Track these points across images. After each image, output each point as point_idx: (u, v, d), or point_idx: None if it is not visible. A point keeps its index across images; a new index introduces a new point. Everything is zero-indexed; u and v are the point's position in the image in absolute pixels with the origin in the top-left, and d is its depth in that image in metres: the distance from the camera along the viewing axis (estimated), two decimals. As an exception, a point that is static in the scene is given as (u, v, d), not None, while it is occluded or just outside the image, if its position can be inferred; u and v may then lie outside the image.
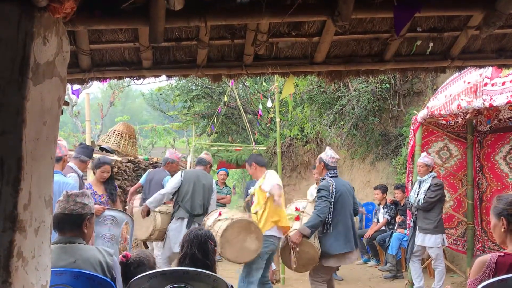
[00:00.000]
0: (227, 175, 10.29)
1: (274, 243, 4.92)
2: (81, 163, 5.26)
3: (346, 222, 4.94)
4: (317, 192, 5.03)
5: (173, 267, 2.97)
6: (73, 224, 2.57)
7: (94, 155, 8.52)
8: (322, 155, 5.29)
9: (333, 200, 4.92)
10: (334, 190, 4.94)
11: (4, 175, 1.68)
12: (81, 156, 5.24)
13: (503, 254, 2.43)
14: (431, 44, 2.79)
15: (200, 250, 2.70)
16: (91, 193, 4.43)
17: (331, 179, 5.05)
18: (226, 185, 9.98)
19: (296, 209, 5.27)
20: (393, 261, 7.45)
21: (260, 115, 13.30)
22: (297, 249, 4.73)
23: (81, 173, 5.24)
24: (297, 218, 5.10)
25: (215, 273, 2.63)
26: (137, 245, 8.45)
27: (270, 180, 4.95)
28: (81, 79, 2.79)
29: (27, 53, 1.76)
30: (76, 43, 2.52)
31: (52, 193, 1.99)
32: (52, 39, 1.90)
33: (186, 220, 5.66)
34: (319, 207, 4.89)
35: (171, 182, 5.87)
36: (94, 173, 5.62)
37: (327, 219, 4.90)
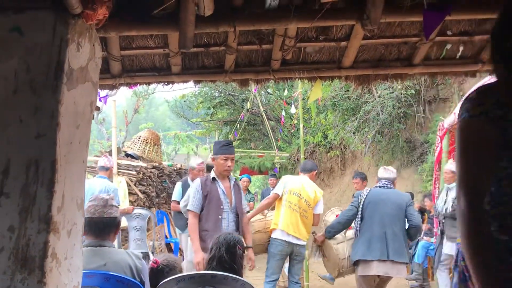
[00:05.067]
0: (250, 181, 10.29)
1: (280, 244, 5.07)
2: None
3: (373, 231, 4.82)
4: None
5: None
6: (111, 227, 2.61)
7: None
8: None
9: (361, 208, 4.94)
10: (364, 199, 4.97)
11: (39, 177, 1.72)
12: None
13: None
14: (461, 48, 2.75)
15: (228, 253, 2.71)
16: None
17: (368, 189, 5.15)
18: (249, 192, 9.97)
19: (336, 215, 5.49)
20: (420, 269, 7.31)
21: (283, 122, 13.28)
22: (322, 250, 5.21)
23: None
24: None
25: (242, 277, 2.63)
26: (161, 250, 8.51)
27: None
28: (112, 84, 2.85)
29: (62, 59, 1.80)
30: (107, 49, 2.57)
31: (84, 196, 2.02)
32: (85, 45, 1.95)
33: None
34: (344, 212, 5.13)
35: None
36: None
37: (356, 226, 4.94)
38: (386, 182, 5.15)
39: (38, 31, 1.80)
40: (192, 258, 6.12)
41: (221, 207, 4.30)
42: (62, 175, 1.79)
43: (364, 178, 6.81)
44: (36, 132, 1.75)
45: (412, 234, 4.93)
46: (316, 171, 5.64)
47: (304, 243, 5.21)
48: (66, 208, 1.82)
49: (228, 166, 4.36)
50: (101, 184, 6.36)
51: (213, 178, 4.41)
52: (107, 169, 6.58)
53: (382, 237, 4.77)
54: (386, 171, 5.25)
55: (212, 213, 4.26)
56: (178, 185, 7.21)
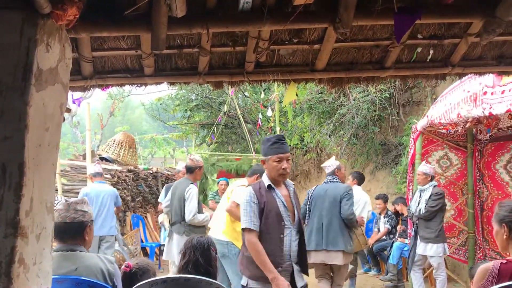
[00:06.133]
0: (228, 184, 10.27)
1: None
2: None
3: (313, 224, 5.36)
4: None
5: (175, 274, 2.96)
6: (74, 232, 2.55)
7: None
8: None
9: (308, 204, 5.52)
10: (310, 196, 5.55)
11: (6, 181, 1.68)
12: None
13: (505, 261, 2.41)
14: (431, 51, 2.81)
15: (203, 257, 2.69)
16: None
17: (314, 187, 5.74)
18: (226, 195, 9.92)
19: None
20: (394, 270, 7.40)
21: (260, 125, 13.30)
22: None
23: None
24: None
25: (217, 280, 2.62)
26: (137, 254, 8.41)
27: None
28: (83, 86, 2.80)
29: (30, 59, 1.77)
30: (78, 50, 2.53)
31: (54, 199, 1.98)
32: (55, 46, 1.91)
33: (168, 230, 6.12)
34: None
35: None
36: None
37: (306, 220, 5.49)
38: (329, 178, 5.65)
39: (5, 31, 1.76)
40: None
41: (283, 223, 3.36)
42: (31, 178, 1.75)
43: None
44: (3, 134, 1.71)
45: (347, 224, 5.31)
46: (258, 175, 5.58)
47: (223, 239, 5.11)
48: (35, 212, 1.78)
49: (283, 169, 3.39)
50: (107, 188, 7.19)
51: (269, 186, 3.42)
52: (101, 174, 7.28)
53: (320, 229, 5.30)
54: (326, 168, 5.74)
55: (272, 232, 3.34)
56: (163, 189, 7.50)
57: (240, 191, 5.56)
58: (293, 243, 3.39)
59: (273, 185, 3.42)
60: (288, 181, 3.59)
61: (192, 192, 5.62)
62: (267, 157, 3.45)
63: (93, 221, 2.72)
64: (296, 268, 3.40)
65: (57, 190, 7.68)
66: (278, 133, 7.98)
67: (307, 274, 3.51)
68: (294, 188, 3.59)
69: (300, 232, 3.48)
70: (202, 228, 5.66)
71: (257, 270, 3.22)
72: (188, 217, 5.55)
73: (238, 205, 5.24)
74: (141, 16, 2.18)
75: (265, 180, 3.45)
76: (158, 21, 2.16)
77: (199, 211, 5.66)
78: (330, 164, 5.70)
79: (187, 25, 2.28)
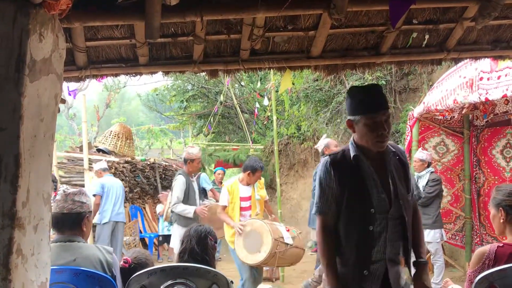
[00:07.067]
0: (225, 174, 10.31)
1: None
2: None
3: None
4: None
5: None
6: (72, 223, 2.56)
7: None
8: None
9: None
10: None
11: (2, 172, 1.68)
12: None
13: (502, 244, 2.44)
14: (427, 36, 2.80)
15: (199, 245, 2.70)
16: None
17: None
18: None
19: None
20: (392, 256, 7.45)
21: (257, 114, 13.28)
22: None
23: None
24: None
25: (214, 268, 2.63)
26: (135, 245, 8.45)
27: None
28: (78, 76, 2.79)
29: (23, 50, 1.75)
30: (72, 40, 2.51)
31: (51, 190, 1.98)
32: (48, 36, 1.90)
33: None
34: None
35: None
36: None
37: None
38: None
39: (-2, 22, 1.74)
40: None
41: (372, 209, 2.35)
42: (27, 170, 1.75)
43: None
44: (-3, 126, 1.70)
45: None
46: (248, 172, 5.38)
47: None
48: (32, 203, 1.78)
49: (380, 135, 2.30)
50: (118, 181, 7.83)
51: (356, 157, 2.38)
52: (108, 169, 7.95)
53: (307, 210, 5.82)
54: (319, 149, 6.04)
55: (356, 221, 2.38)
56: None
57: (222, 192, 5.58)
58: (392, 237, 2.38)
59: (361, 156, 2.38)
60: (390, 146, 2.44)
61: (177, 183, 5.66)
62: (355, 118, 2.35)
63: (92, 212, 2.73)
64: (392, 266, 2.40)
65: (54, 181, 7.68)
66: (275, 122, 7.84)
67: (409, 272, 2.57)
68: (393, 155, 2.44)
69: (402, 218, 2.42)
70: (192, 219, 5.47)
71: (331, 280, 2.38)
72: (170, 205, 5.65)
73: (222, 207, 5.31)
74: (134, 4, 2.16)
75: (352, 149, 2.40)
76: (151, 10, 2.14)
77: (184, 201, 5.60)
78: (319, 145, 5.87)
79: (181, 13, 2.27)
